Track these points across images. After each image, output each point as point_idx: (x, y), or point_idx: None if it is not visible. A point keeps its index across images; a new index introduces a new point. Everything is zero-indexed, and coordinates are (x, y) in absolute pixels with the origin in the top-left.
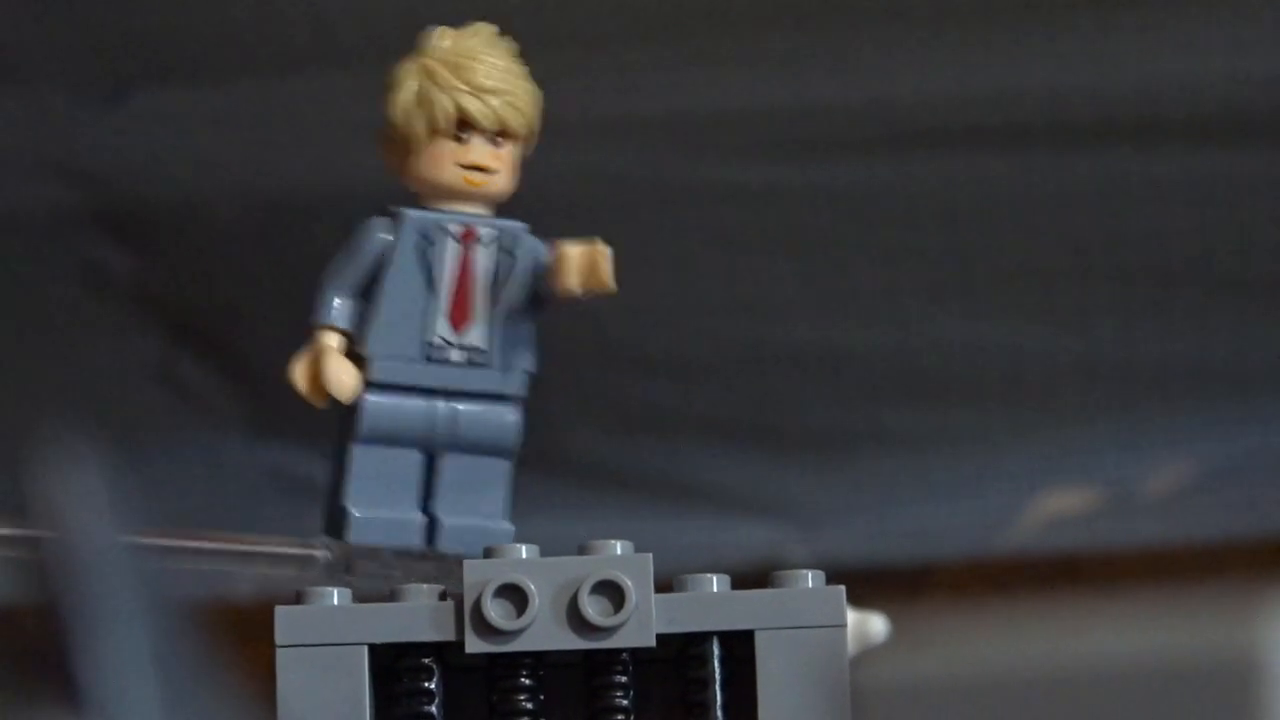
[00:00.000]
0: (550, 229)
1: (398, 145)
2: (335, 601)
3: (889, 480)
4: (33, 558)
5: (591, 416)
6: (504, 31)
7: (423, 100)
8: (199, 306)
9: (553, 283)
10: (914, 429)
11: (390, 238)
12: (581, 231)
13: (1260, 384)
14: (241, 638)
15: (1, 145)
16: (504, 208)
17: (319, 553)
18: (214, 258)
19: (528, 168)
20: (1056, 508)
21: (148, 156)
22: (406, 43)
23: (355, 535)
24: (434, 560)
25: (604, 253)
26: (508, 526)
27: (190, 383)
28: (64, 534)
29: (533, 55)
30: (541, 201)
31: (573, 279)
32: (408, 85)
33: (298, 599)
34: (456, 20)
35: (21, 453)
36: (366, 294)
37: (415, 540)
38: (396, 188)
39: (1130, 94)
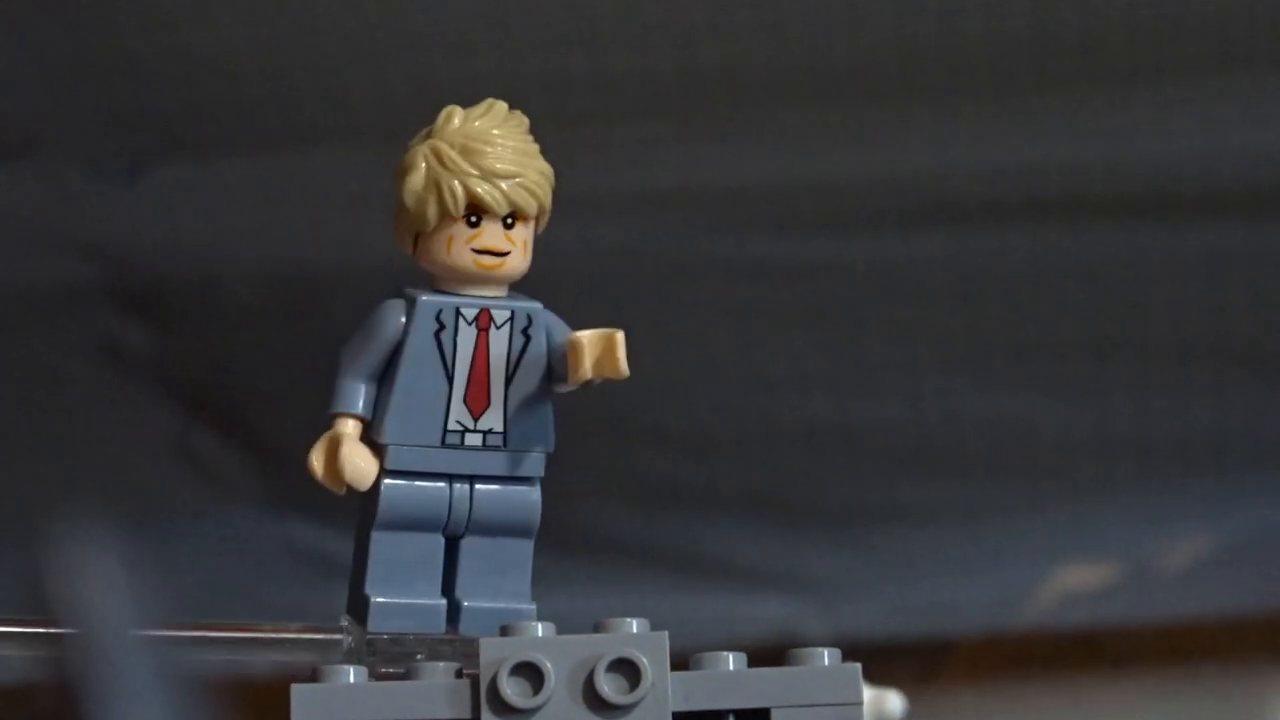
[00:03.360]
0: (567, 303)
1: (409, 228)
2: (351, 679)
3: (905, 555)
4: (53, 645)
5: (606, 491)
6: (519, 106)
7: (432, 185)
8: (216, 381)
9: (568, 370)
10: (930, 504)
11: (404, 321)
12: (598, 306)
13: (1277, 458)
14: (258, 715)
15: (17, 220)
16: (521, 284)
17: (343, 637)
18: (231, 333)
19: (545, 242)
20: (1073, 583)
21: (164, 231)
22: (423, 118)
23: (376, 623)
24: (456, 644)
25: (618, 339)
26: (530, 607)
27: (207, 457)
28: (84, 622)
29: (548, 129)
30: (558, 276)
31: (586, 366)
32: (417, 169)
33: (314, 677)
34: (471, 94)
35: (40, 538)
36: (381, 378)
37: (437, 626)
38: (413, 264)
39: (1148, 169)
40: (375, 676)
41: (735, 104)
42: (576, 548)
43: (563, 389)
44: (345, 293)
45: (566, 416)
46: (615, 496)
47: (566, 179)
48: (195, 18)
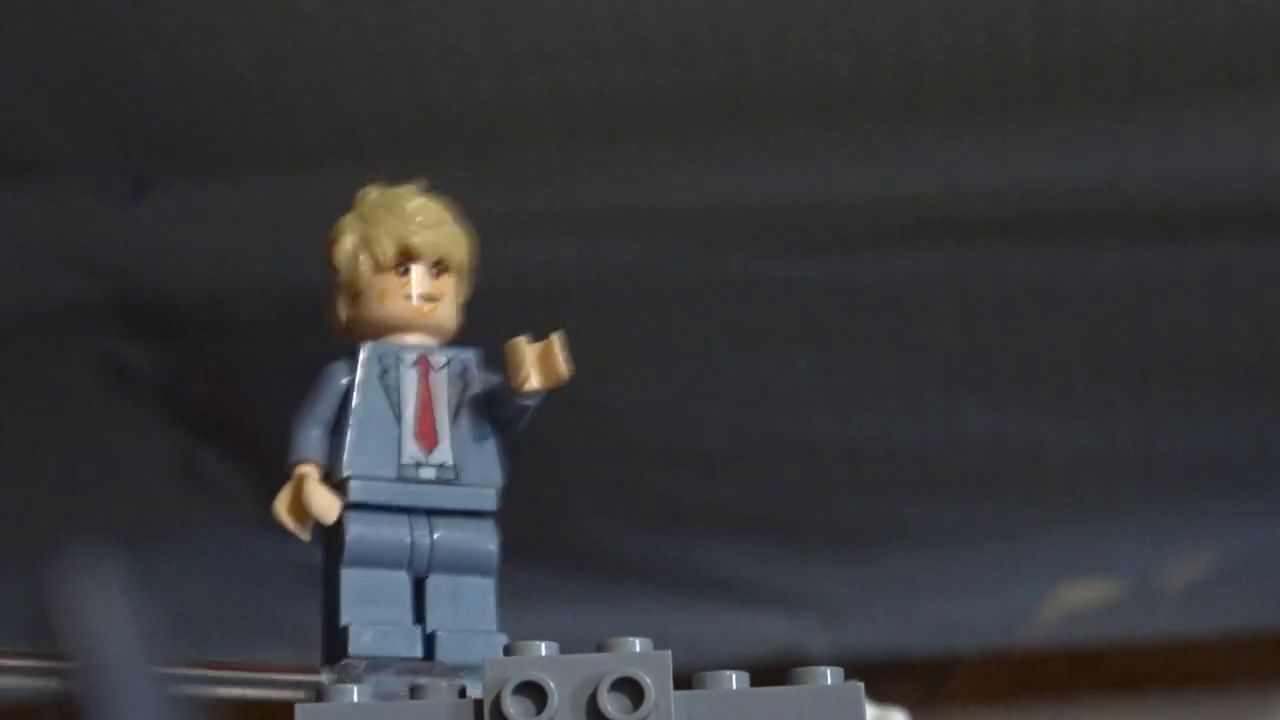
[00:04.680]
0: (570, 322)
1: (345, 294)
2: (356, 699)
3: (909, 573)
4: (57, 670)
5: (611, 509)
6: (522, 125)
7: (362, 242)
8: (219, 400)
9: (511, 383)
10: (934, 522)
11: (348, 378)
12: (600, 325)
13: None
14: None
15: (22, 238)
16: (523, 300)
17: (324, 677)
18: (234, 352)
19: (548, 260)
20: (1077, 601)
21: (168, 251)
22: (425, 137)
23: (355, 646)
24: (435, 670)
25: (554, 339)
26: (503, 637)
27: (210, 476)
28: (88, 647)
29: (551, 148)
30: (561, 295)
31: (528, 367)
32: (345, 235)
33: (319, 696)
34: (473, 113)
35: (44, 561)
36: (334, 431)
37: (414, 649)
38: None
39: (1151, 187)
40: (377, 694)
41: (738, 122)
42: (580, 565)
43: (510, 426)
44: None
45: (571, 435)
46: (619, 515)
47: (569, 197)
48: (199, 38)
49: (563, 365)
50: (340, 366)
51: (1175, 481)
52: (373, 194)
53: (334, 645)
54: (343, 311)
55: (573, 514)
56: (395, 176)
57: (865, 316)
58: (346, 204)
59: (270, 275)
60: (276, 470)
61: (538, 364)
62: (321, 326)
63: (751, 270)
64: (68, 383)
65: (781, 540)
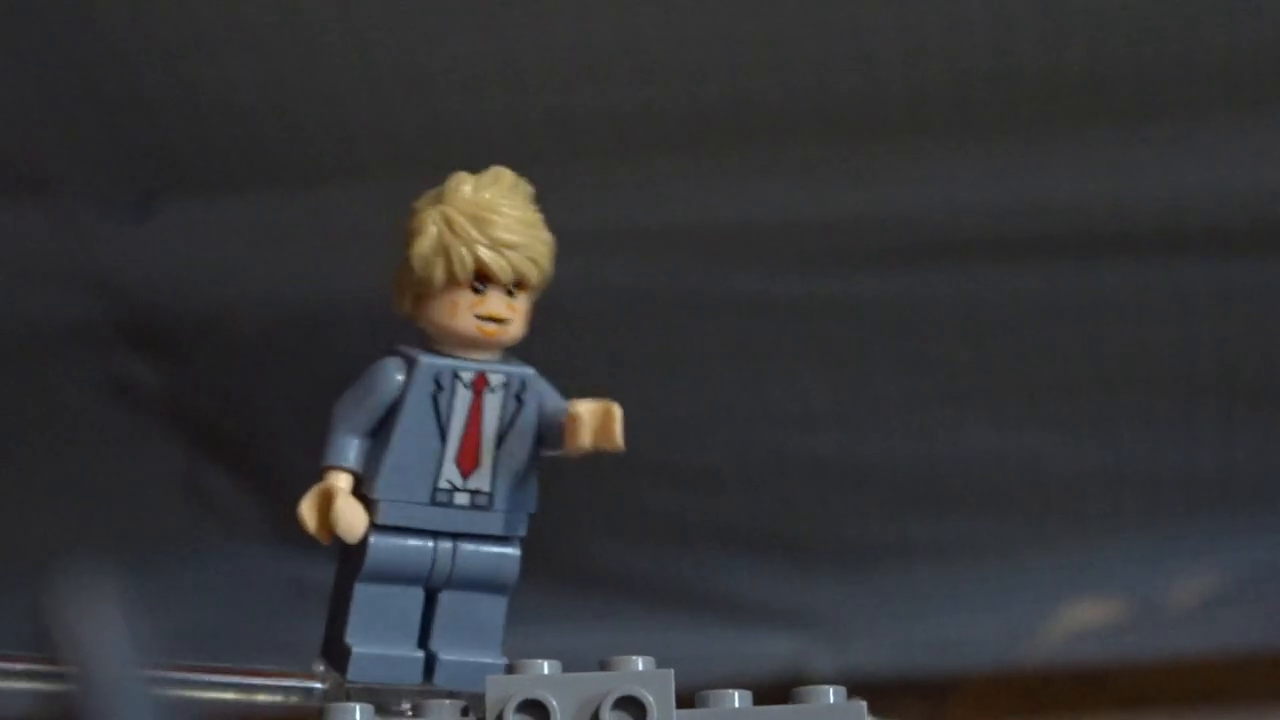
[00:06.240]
0: (575, 340)
1: (413, 288)
2: (358, 718)
3: (913, 591)
4: (56, 682)
5: (614, 527)
6: (527, 142)
7: (442, 250)
8: (224, 418)
9: (565, 440)
10: (938, 540)
11: (402, 379)
12: (605, 343)
13: None
14: None
15: (28, 256)
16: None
17: (318, 684)
18: (239, 369)
19: (553, 278)
20: (1082, 619)
21: (173, 268)
22: (431, 155)
23: (355, 672)
24: (430, 696)
25: (616, 413)
26: (503, 662)
27: (214, 493)
28: (85, 660)
29: (556, 166)
30: (568, 312)
31: (585, 437)
32: (427, 233)
33: (321, 715)
34: (479, 132)
35: (46, 576)
36: (375, 433)
37: (413, 677)
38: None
39: (1155, 205)
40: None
41: (743, 141)
42: (583, 583)
43: (553, 453)
44: (354, 328)
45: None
46: (622, 533)
47: (575, 215)
48: (205, 56)
49: (619, 436)
50: (394, 365)
51: (1179, 500)
52: (464, 190)
53: (335, 648)
54: (408, 303)
55: (576, 531)
56: (399, 194)
57: (870, 334)
58: (351, 221)
59: (275, 292)
60: (280, 488)
61: (594, 431)
62: (326, 344)
63: (756, 288)
64: (72, 399)
65: (785, 558)
